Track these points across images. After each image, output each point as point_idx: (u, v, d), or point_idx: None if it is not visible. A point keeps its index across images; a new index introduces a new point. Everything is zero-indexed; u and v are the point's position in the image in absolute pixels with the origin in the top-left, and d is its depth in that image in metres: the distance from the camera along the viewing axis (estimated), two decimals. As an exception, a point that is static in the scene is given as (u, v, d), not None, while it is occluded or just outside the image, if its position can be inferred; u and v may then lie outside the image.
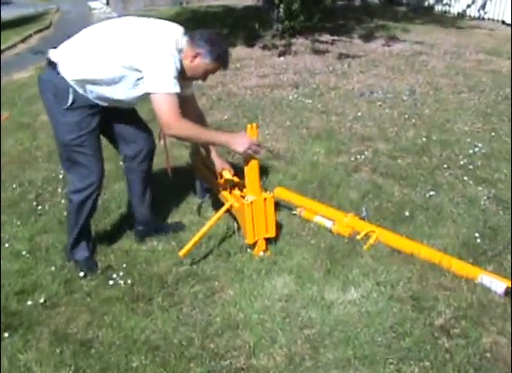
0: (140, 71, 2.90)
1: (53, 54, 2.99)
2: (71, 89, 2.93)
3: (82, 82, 2.93)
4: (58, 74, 2.93)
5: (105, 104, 3.07)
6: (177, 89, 2.90)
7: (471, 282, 3.04)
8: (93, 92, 2.98)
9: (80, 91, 2.95)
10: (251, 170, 3.22)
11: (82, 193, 3.17)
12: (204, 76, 3.19)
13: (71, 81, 2.92)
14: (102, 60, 2.92)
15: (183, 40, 3.02)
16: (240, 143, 3.08)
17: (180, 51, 2.99)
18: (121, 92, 3.02)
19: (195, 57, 3.04)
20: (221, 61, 3.14)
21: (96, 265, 3.34)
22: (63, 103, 2.94)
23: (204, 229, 3.31)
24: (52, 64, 2.96)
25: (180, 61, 2.99)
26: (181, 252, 3.23)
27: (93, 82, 2.94)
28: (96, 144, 3.14)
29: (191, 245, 3.23)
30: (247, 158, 3.18)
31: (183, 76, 3.04)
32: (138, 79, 2.94)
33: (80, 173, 3.14)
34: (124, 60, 2.89)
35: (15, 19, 19.17)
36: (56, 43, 3.09)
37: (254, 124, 3.16)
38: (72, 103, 2.95)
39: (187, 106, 3.26)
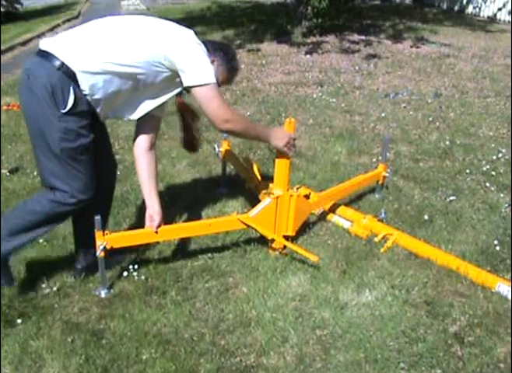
0: (168, 68, 2.64)
1: (49, 44, 2.55)
2: (72, 88, 2.48)
3: (95, 75, 2.52)
4: (59, 68, 2.46)
5: (108, 110, 2.73)
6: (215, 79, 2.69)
7: (488, 290, 2.99)
8: (104, 88, 2.58)
9: (85, 89, 2.52)
10: (282, 165, 3.19)
11: (68, 207, 2.74)
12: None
13: (81, 73, 2.48)
14: (124, 51, 2.55)
15: None
16: (280, 138, 3.03)
17: None
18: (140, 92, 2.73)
19: (211, 62, 2.76)
20: (233, 73, 2.98)
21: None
22: (61, 106, 2.49)
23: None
24: (48, 56, 2.49)
25: None
26: None
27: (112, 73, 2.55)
28: (92, 157, 2.72)
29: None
30: (281, 153, 3.15)
31: None
32: (167, 75, 2.69)
33: (72, 185, 2.68)
34: (152, 51, 2.59)
35: (44, 7, 19.36)
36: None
37: (293, 119, 3.13)
38: (72, 107, 2.50)
39: (152, 125, 2.97)
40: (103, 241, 2.79)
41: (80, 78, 2.50)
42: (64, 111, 2.49)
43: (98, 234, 2.78)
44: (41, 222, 2.78)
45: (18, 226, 2.78)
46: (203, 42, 2.75)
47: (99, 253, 2.80)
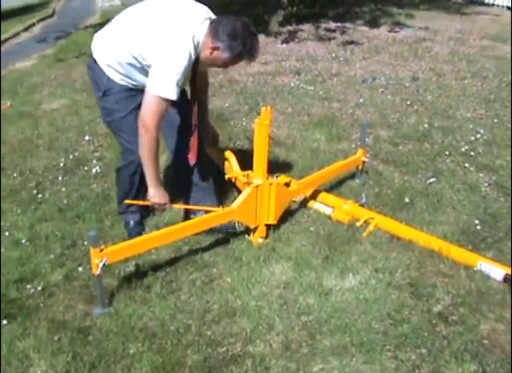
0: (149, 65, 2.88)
1: (93, 41, 3.11)
2: (104, 76, 3.03)
3: (110, 68, 3.02)
4: (95, 62, 3.05)
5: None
6: (175, 97, 2.82)
7: (470, 269, 3.03)
8: (124, 79, 3.05)
9: (113, 77, 3.03)
10: (260, 154, 3.20)
11: (127, 166, 3.31)
12: (223, 67, 3.07)
13: (104, 66, 3.01)
14: (118, 47, 2.95)
15: (202, 30, 2.84)
16: (158, 195, 3.07)
17: (197, 45, 2.84)
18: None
19: (214, 49, 2.86)
20: (242, 57, 2.94)
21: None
22: (100, 91, 3.08)
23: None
24: (91, 52, 3.09)
25: (197, 51, 2.86)
26: None
27: (118, 69, 3.02)
28: (135, 125, 2.93)
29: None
30: (258, 140, 3.18)
31: (201, 64, 2.98)
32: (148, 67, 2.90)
33: (123, 150, 3.30)
34: (138, 50, 2.89)
35: (18, 7, 19.17)
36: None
37: (269, 107, 3.11)
38: (106, 91, 3.06)
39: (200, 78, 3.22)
40: (102, 257, 2.67)
41: (106, 69, 3.02)
42: (100, 94, 3.09)
43: (94, 251, 2.65)
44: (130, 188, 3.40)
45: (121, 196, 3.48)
46: (213, 21, 2.90)
47: (99, 271, 2.68)
